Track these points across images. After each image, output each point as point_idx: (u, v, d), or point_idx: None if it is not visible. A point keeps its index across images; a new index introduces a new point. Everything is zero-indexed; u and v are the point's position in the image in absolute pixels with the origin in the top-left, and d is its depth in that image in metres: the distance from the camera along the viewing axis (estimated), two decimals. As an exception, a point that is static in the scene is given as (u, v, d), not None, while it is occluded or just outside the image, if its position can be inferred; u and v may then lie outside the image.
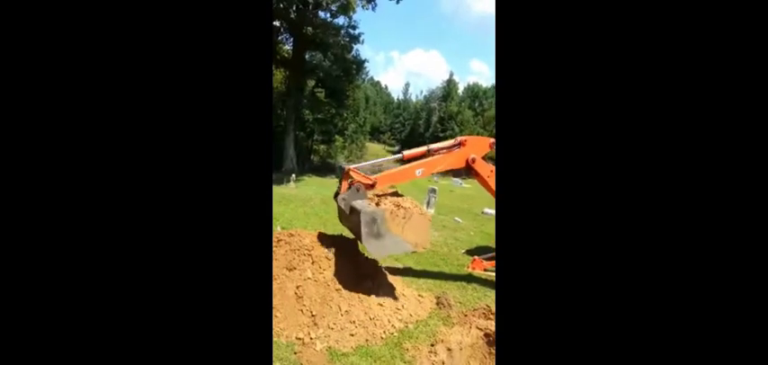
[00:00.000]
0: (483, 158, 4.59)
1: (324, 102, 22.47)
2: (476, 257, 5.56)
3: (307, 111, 23.03)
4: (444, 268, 5.83)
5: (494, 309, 4.10)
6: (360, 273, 4.18)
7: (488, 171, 4.55)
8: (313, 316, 3.54)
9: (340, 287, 3.82)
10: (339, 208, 4.31)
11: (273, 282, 3.73)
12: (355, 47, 20.37)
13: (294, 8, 17.05)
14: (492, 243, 7.41)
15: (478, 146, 4.59)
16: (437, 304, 4.33)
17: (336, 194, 4.28)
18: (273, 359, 3.04)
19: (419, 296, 4.39)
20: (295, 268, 3.88)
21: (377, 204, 4.15)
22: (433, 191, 11.73)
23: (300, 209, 9.44)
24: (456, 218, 10.27)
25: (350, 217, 4.08)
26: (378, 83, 65.69)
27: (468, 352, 3.38)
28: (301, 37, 18.72)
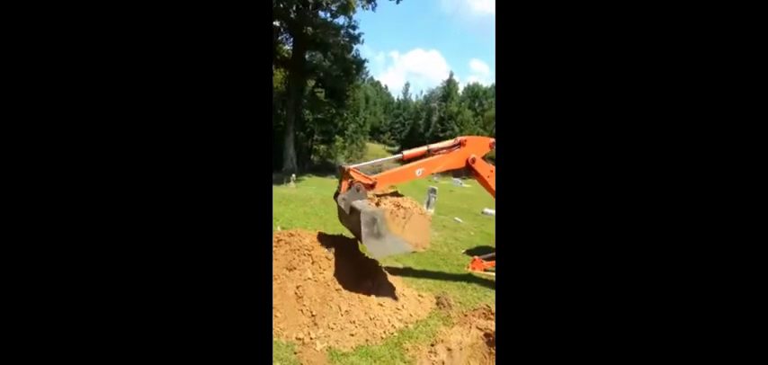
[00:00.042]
0: (483, 158, 4.59)
1: (324, 102, 22.48)
2: (476, 257, 5.56)
3: (307, 111, 23.04)
4: (444, 268, 5.83)
5: (494, 309, 4.10)
6: (360, 273, 4.18)
7: (488, 171, 4.55)
8: (313, 316, 3.54)
9: (340, 287, 3.82)
10: (339, 208, 4.31)
11: (273, 282, 3.73)
12: (355, 47, 20.39)
13: (294, 8, 17.05)
14: (492, 243, 7.41)
15: (478, 146, 4.59)
16: (437, 304, 4.33)
17: (336, 194, 4.28)
18: (273, 359, 3.04)
19: (419, 296, 4.39)
20: (295, 268, 3.88)
21: (377, 204, 4.15)
22: (433, 191, 11.73)
23: (300, 208, 9.44)
24: (456, 218, 10.27)
25: (350, 217, 4.08)
26: (378, 83, 65.74)
27: (468, 352, 3.38)
28: (301, 37, 18.72)
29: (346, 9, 17.07)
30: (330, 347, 3.30)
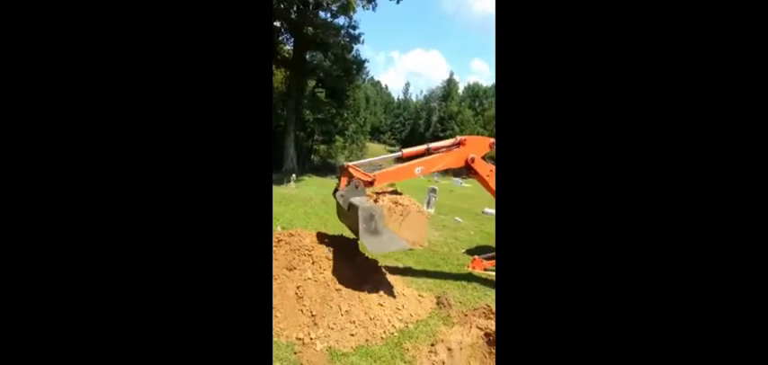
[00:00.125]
0: (483, 158, 4.59)
1: (324, 102, 22.49)
2: (476, 257, 5.56)
3: (307, 111, 23.05)
4: (444, 268, 5.82)
5: (494, 309, 4.10)
6: (360, 273, 4.18)
7: (488, 170, 4.55)
8: (313, 316, 3.54)
9: (340, 287, 3.82)
10: (338, 204, 4.32)
11: (273, 282, 3.73)
12: (355, 47, 20.41)
13: (295, 8, 17.06)
14: (492, 242, 7.41)
15: (478, 146, 4.59)
16: (437, 304, 4.33)
17: (335, 190, 4.29)
18: (273, 359, 3.05)
19: (419, 296, 4.39)
20: (295, 268, 3.88)
21: (375, 201, 4.15)
22: (434, 190, 11.73)
23: (301, 208, 9.45)
24: (456, 218, 10.27)
25: (348, 213, 4.09)
26: (378, 83, 65.80)
27: (469, 352, 3.38)
28: (302, 37, 18.73)
29: (347, 9, 17.08)
30: (330, 347, 3.30)
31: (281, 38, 19.69)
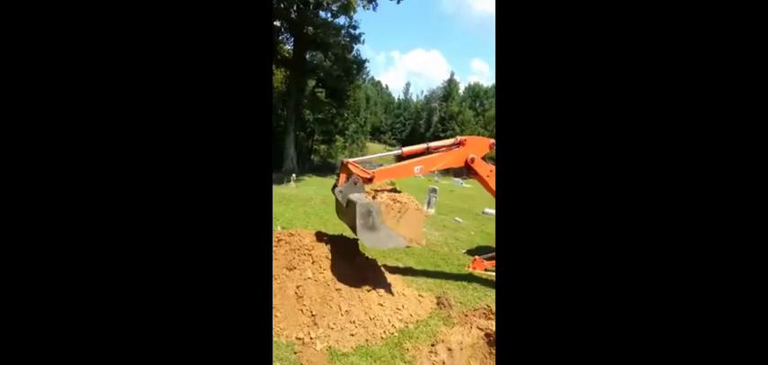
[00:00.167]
0: (483, 158, 4.59)
1: (324, 102, 22.50)
2: (476, 257, 5.55)
3: (307, 111, 23.06)
4: (445, 268, 5.82)
5: (494, 309, 4.10)
6: (360, 273, 4.18)
7: (487, 171, 4.55)
8: (313, 315, 3.54)
9: (340, 287, 3.82)
10: (336, 201, 4.32)
11: (273, 282, 3.73)
12: (356, 47, 20.42)
13: (295, 8, 17.07)
14: (492, 243, 7.41)
15: (478, 147, 4.59)
16: (437, 304, 4.33)
17: (334, 187, 4.29)
18: (273, 358, 3.04)
19: (419, 296, 4.39)
20: (295, 268, 3.88)
21: (373, 198, 4.15)
22: (434, 190, 11.73)
23: (300, 208, 9.45)
24: (456, 218, 10.27)
25: (346, 210, 4.09)
26: (378, 83, 65.81)
27: (469, 352, 3.38)
28: (302, 37, 18.74)
29: (347, 9, 17.09)
30: (330, 347, 3.30)
31: (281, 37, 19.70)
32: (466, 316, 4.10)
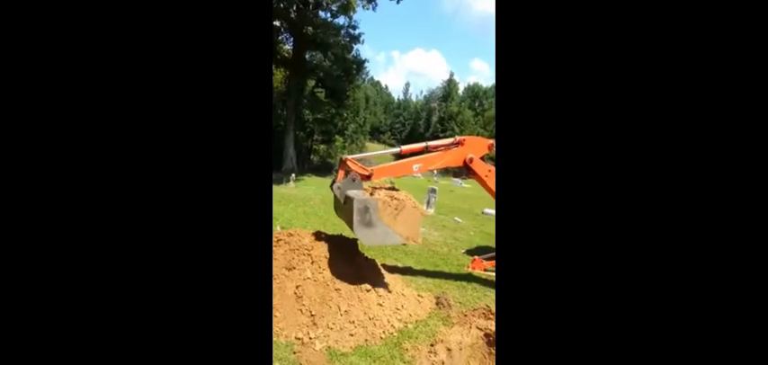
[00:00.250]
0: (481, 159, 4.59)
1: (324, 102, 22.51)
2: (476, 257, 5.56)
3: (307, 111, 23.07)
4: (444, 268, 5.82)
5: (494, 309, 4.10)
6: (359, 273, 4.18)
7: (486, 170, 4.56)
8: (312, 315, 3.54)
9: (339, 286, 3.82)
10: (335, 197, 4.33)
11: (273, 282, 3.73)
12: (355, 47, 20.44)
13: (294, 8, 17.07)
14: (492, 243, 7.41)
15: (477, 147, 4.60)
16: (437, 304, 4.33)
17: (333, 183, 4.30)
18: (273, 358, 3.04)
19: (419, 296, 4.39)
20: (294, 268, 3.88)
21: (371, 194, 4.15)
22: (433, 190, 11.74)
23: (300, 208, 9.45)
24: (456, 218, 10.27)
25: (344, 206, 4.10)
26: (378, 83, 65.82)
27: (468, 352, 3.38)
28: (301, 37, 18.74)
29: (347, 9, 17.09)
30: (329, 347, 3.30)
31: (280, 37, 19.70)
32: (465, 316, 4.10)
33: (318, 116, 23.62)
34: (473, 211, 11.94)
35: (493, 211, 10.97)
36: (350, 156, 4.47)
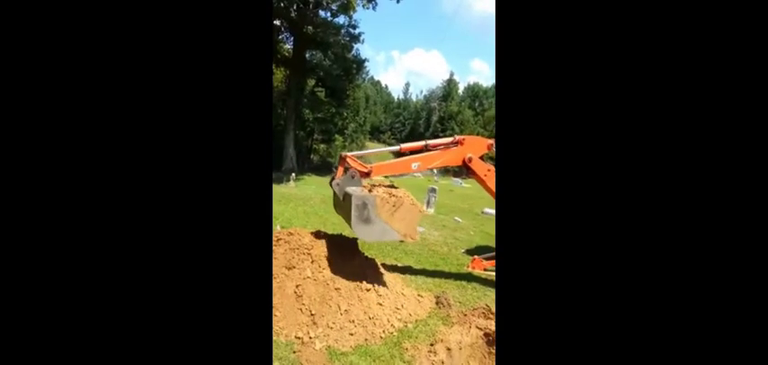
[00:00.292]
0: (481, 158, 4.60)
1: (324, 102, 22.51)
2: (475, 257, 5.56)
3: (307, 111, 23.07)
4: (444, 267, 5.83)
5: (493, 309, 4.10)
6: (359, 273, 4.18)
7: (485, 170, 4.57)
8: (312, 315, 3.54)
9: (339, 286, 3.82)
10: (334, 194, 4.34)
11: (273, 281, 3.73)
12: (355, 46, 20.46)
13: (294, 7, 17.07)
14: (492, 243, 7.41)
15: (476, 146, 4.60)
16: (437, 303, 4.33)
17: (332, 179, 4.32)
18: (273, 358, 3.05)
19: (419, 295, 4.39)
20: (294, 267, 3.88)
21: (370, 191, 4.16)
22: (433, 190, 11.74)
23: (300, 208, 9.45)
24: (456, 218, 10.27)
25: (343, 203, 4.11)
26: (378, 82, 65.81)
27: (468, 352, 3.38)
28: (302, 36, 18.75)
29: (347, 8, 17.10)
30: (329, 346, 3.30)
31: (280, 36, 19.70)
32: (465, 315, 4.10)
33: (318, 115, 23.63)
34: (473, 211, 11.94)
35: (493, 211, 10.97)
36: (349, 154, 4.48)
